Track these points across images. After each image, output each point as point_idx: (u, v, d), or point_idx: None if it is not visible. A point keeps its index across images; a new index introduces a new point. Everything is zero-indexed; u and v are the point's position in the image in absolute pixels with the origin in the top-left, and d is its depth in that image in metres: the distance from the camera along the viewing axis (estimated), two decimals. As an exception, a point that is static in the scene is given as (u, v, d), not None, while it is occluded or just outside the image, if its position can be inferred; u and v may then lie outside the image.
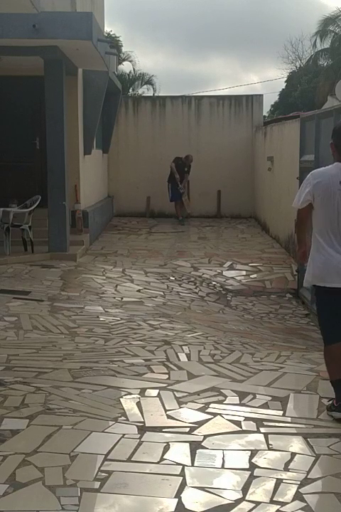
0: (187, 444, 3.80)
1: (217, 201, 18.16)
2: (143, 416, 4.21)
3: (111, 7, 56.95)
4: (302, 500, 3.21)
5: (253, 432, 4.01)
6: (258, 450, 3.75)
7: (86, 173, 13.52)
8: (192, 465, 3.56)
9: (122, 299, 8.43)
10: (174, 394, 4.61)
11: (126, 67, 31.93)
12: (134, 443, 3.79)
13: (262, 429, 4.04)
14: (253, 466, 3.55)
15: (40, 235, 10.75)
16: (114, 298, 8.44)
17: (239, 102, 18.27)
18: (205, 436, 3.91)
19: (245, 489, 3.29)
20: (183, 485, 3.32)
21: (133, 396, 4.56)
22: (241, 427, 4.07)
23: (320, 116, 8.58)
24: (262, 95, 18.78)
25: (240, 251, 12.84)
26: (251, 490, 3.29)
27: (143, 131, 18.11)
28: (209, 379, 4.98)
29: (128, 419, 4.15)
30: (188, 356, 5.64)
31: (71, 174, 11.58)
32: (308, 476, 3.45)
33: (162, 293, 9.11)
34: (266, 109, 35.14)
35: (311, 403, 4.59)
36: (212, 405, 4.41)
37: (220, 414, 4.26)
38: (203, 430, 4.01)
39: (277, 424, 4.15)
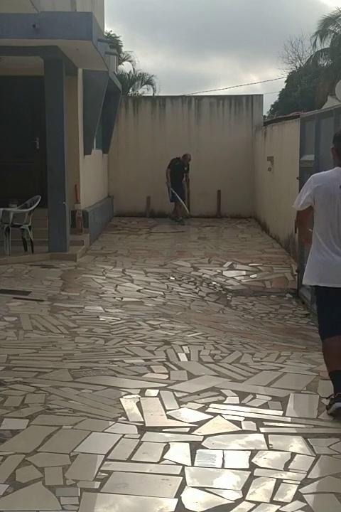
0: (187, 444, 3.80)
1: (217, 201, 18.16)
2: (143, 416, 4.21)
3: (111, 7, 57.01)
4: (302, 500, 3.21)
5: (253, 432, 4.01)
6: (258, 450, 3.75)
7: (86, 173, 13.52)
8: (192, 465, 3.56)
9: (122, 299, 8.43)
10: (174, 394, 4.61)
11: (126, 67, 31.98)
12: (134, 443, 3.79)
13: (262, 429, 4.04)
14: (253, 466, 3.55)
15: (40, 235, 10.75)
16: (114, 298, 8.44)
17: (239, 102, 18.27)
18: (205, 436, 3.91)
19: (245, 489, 3.29)
20: (183, 485, 3.32)
21: (133, 396, 4.56)
22: (241, 427, 4.07)
23: (320, 116, 8.57)
24: (262, 95, 18.78)
25: (240, 251, 12.83)
26: (251, 490, 3.29)
27: (143, 131, 18.11)
28: (209, 379, 4.98)
29: (128, 419, 4.15)
30: (188, 356, 5.64)
31: (71, 174, 11.58)
32: (308, 476, 3.45)
33: (162, 293, 9.11)
34: (266, 109, 35.18)
35: (311, 403, 4.59)
36: (212, 405, 4.41)
37: (220, 414, 4.26)
38: (203, 430, 4.01)
39: (277, 424, 4.15)
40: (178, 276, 10.34)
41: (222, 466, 3.56)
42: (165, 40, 65.65)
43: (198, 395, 4.61)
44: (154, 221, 17.06)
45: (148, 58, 58.06)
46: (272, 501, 3.19)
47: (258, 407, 4.41)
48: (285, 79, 36.68)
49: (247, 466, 3.55)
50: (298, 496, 3.24)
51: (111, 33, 31.41)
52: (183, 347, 5.90)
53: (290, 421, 4.21)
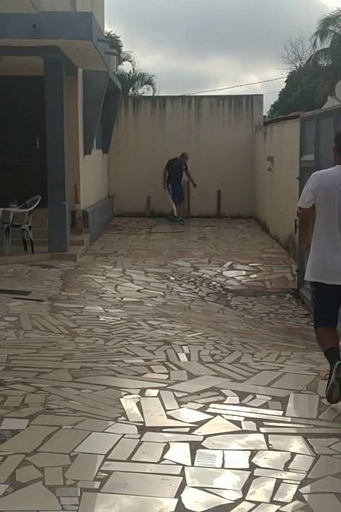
0: (187, 444, 3.80)
1: (217, 201, 18.16)
2: (143, 416, 4.21)
3: (111, 7, 57.02)
4: (302, 500, 3.21)
5: (253, 432, 4.01)
6: (258, 450, 3.75)
7: (86, 173, 13.52)
8: (192, 465, 3.56)
9: (122, 299, 8.43)
10: (174, 394, 4.61)
11: (126, 67, 31.98)
12: (134, 443, 3.79)
13: (262, 429, 4.04)
14: (253, 466, 3.55)
15: (40, 235, 10.75)
16: (114, 298, 8.44)
17: (239, 102, 18.27)
18: (205, 436, 3.91)
19: (245, 489, 3.29)
20: (183, 485, 3.32)
21: (133, 396, 4.56)
22: (241, 427, 4.07)
23: (320, 116, 8.57)
24: (262, 95, 18.78)
25: (240, 251, 12.83)
26: (251, 490, 3.29)
27: (143, 131, 18.11)
28: (209, 379, 4.98)
29: (128, 419, 4.15)
30: (188, 356, 5.64)
31: (71, 174, 11.58)
32: (308, 476, 3.45)
33: (162, 293, 9.11)
34: (266, 109, 35.17)
35: (311, 403, 4.59)
36: (212, 405, 4.41)
37: (220, 414, 4.26)
38: (203, 430, 4.01)
39: (277, 424, 4.15)
40: (178, 276, 10.34)
41: (222, 466, 3.56)
42: (165, 40, 65.70)
43: (198, 395, 4.61)
44: (154, 221, 17.06)
45: (148, 58, 58.11)
46: (272, 501, 3.19)
47: (258, 407, 4.41)
48: (285, 79, 36.71)
49: (247, 466, 3.55)
50: (298, 496, 3.24)
51: (111, 33, 31.42)
52: (183, 347, 5.90)
53: (290, 421, 4.21)
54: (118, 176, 18.03)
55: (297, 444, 3.87)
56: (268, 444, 3.83)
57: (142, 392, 4.64)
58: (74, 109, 12.46)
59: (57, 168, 10.59)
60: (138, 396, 4.55)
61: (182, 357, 5.60)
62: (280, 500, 3.20)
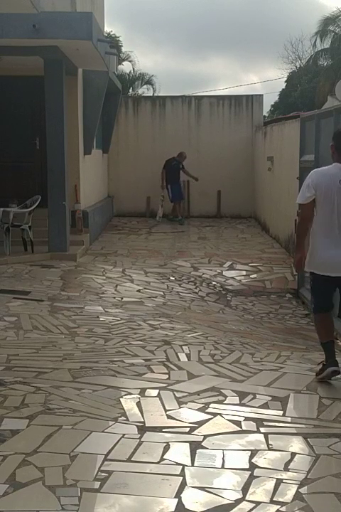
0: (187, 444, 3.80)
1: (217, 201, 18.16)
2: (143, 416, 4.21)
3: (111, 7, 57.00)
4: (302, 500, 3.21)
5: (253, 432, 4.01)
6: (258, 450, 3.75)
7: (86, 173, 13.52)
8: (192, 465, 3.56)
9: (122, 299, 8.43)
10: (174, 394, 4.61)
11: (126, 67, 31.98)
12: (134, 443, 3.79)
13: (262, 429, 4.04)
14: (253, 466, 3.55)
15: (40, 235, 10.75)
16: (114, 298, 8.44)
17: (239, 102, 18.26)
18: (205, 436, 3.91)
19: (245, 489, 3.29)
20: (183, 485, 3.32)
21: (133, 396, 4.56)
22: (241, 427, 4.07)
23: (320, 116, 8.57)
24: (262, 95, 18.77)
25: (240, 251, 12.83)
26: (251, 490, 3.29)
27: (143, 131, 18.10)
28: (209, 379, 4.99)
29: (128, 419, 4.15)
30: (188, 356, 5.64)
31: (71, 174, 11.58)
32: (308, 476, 3.45)
33: (162, 293, 9.11)
34: (266, 109, 35.18)
35: (311, 403, 4.59)
36: (212, 405, 4.41)
37: (220, 414, 4.26)
38: (203, 430, 4.01)
39: (277, 424, 4.15)
40: (178, 276, 10.34)
41: (222, 466, 3.56)
42: (165, 40, 65.72)
43: (198, 395, 4.61)
44: (154, 221, 17.06)
45: (148, 58, 58.14)
46: (272, 501, 3.19)
47: (258, 407, 4.41)
48: (285, 79, 36.72)
49: (247, 466, 3.55)
50: (298, 496, 3.24)
51: (111, 33, 31.43)
52: (183, 347, 5.90)
53: (290, 421, 4.21)
54: (118, 176, 18.02)
55: (297, 444, 3.87)
56: (268, 444, 3.83)
57: (142, 392, 4.64)
58: (74, 109, 12.46)
59: (57, 168, 10.59)
60: (138, 396, 4.55)
61: (182, 357, 5.60)
62: (280, 500, 3.20)
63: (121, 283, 9.44)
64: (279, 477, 3.43)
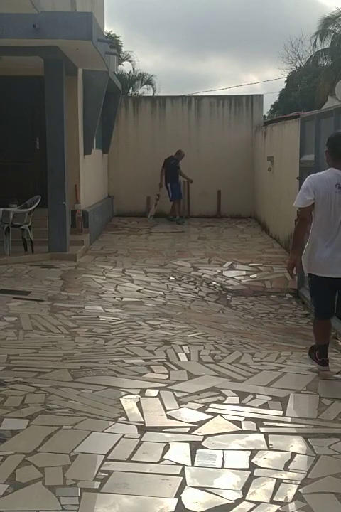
0: (187, 444, 3.80)
1: (217, 201, 18.16)
2: (143, 416, 4.21)
3: (111, 7, 56.97)
4: (302, 500, 3.21)
5: (253, 432, 4.01)
6: (258, 450, 3.75)
7: (86, 173, 13.52)
8: (192, 465, 3.56)
9: (122, 299, 8.43)
10: (174, 394, 4.61)
11: (126, 67, 31.99)
12: (134, 443, 3.79)
13: (262, 429, 4.04)
14: (253, 466, 3.55)
15: (40, 235, 10.75)
16: (114, 298, 8.44)
17: (239, 102, 18.26)
18: (205, 436, 3.91)
19: (245, 489, 3.29)
20: (183, 485, 3.32)
21: (133, 396, 4.56)
22: (241, 427, 4.07)
23: (320, 116, 8.57)
24: (262, 95, 18.78)
25: (240, 251, 12.83)
26: (251, 490, 3.29)
27: (143, 131, 18.10)
28: (209, 379, 4.99)
29: (128, 419, 4.15)
30: (188, 356, 5.64)
31: (71, 174, 11.58)
32: (308, 476, 3.45)
33: (162, 293, 9.11)
34: (266, 109, 35.19)
35: (311, 403, 4.59)
36: (212, 405, 4.41)
37: (220, 414, 4.26)
38: (203, 430, 4.01)
39: (277, 424, 4.15)
40: (178, 276, 10.34)
41: (222, 466, 3.56)
42: (165, 40, 65.73)
43: (198, 395, 4.61)
44: (154, 221, 17.06)
45: (148, 58, 58.14)
46: (272, 501, 3.19)
47: (258, 407, 4.41)
48: (285, 79, 36.74)
49: (247, 466, 3.55)
50: (298, 496, 3.24)
51: (111, 33, 31.43)
52: (183, 347, 5.90)
53: (290, 421, 4.21)
54: (118, 176, 18.02)
55: (297, 444, 3.87)
56: (268, 444, 3.83)
57: (142, 392, 4.64)
58: (74, 109, 12.46)
59: (57, 168, 10.59)
60: (138, 396, 4.55)
61: (182, 357, 5.60)
62: (280, 500, 3.20)
63: (121, 283, 9.44)
64: (279, 477, 3.43)
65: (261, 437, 3.93)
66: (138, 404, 4.41)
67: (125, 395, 4.60)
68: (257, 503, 3.16)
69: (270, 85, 66.61)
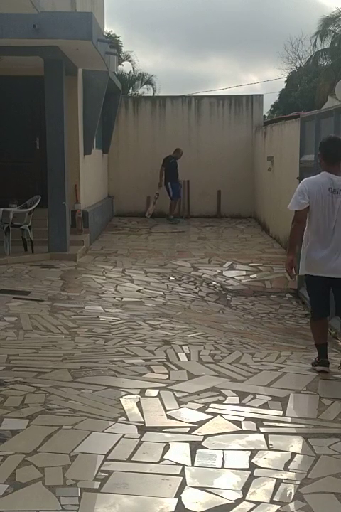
0: (187, 444, 3.80)
1: (217, 201, 18.16)
2: (143, 416, 4.21)
3: (111, 7, 56.91)
4: (302, 500, 3.21)
5: (253, 432, 4.01)
6: (258, 450, 3.75)
7: (86, 173, 13.52)
8: (192, 465, 3.56)
9: (122, 299, 8.42)
10: (174, 394, 4.61)
11: (126, 67, 31.96)
12: (134, 443, 3.79)
13: (262, 429, 4.04)
14: (253, 466, 3.55)
15: (40, 235, 10.75)
16: (114, 298, 8.44)
17: (239, 102, 18.26)
18: (205, 436, 3.91)
19: (245, 489, 3.29)
20: (183, 485, 3.32)
21: (133, 396, 4.56)
22: (241, 427, 4.08)
23: (320, 116, 8.57)
24: (262, 95, 18.77)
25: (240, 251, 12.83)
26: (251, 490, 3.29)
27: (143, 131, 18.10)
28: (209, 379, 4.99)
29: (128, 419, 4.15)
30: (188, 356, 5.64)
31: (71, 174, 11.57)
32: (308, 476, 3.45)
33: (162, 293, 9.11)
34: (266, 109, 35.15)
35: (311, 403, 4.59)
36: (212, 405, 4.41)
37: (220, 414, 4.26)
38: (203, 430, 4.01)
39: (277, 424, 4.15)
40: (178, 276, 10.33)
41: (222, 466, 3.56)
42: (165, 40, 65.68)
43: (198, 395, 4.61)
44: (154, 221, 17.06)
45: (148, 58, 58.09)
46: (272, 501, 3.19)
47: (258, 407, 4.41)
48: (285, 79, 36.72)
49: (247, 466, 3.55)
50: (298, 496, 3.24)
51: (111, 33, 31.42)
52: (183, 347, 5.90)
53: (290, 421, 4.22)
54: (118, 176, 18.02)
55: (297, 444, 3.87)
56: (268, 444, 3.83)
57: (142, 392, 4.64)
58: (74, 109, 12.45)
59: (57, 168, 10.59)
60: (138, 396, 4.55)
61: (182, 357, 5.60)
62: (280, 500, 3.20)
63: (121, 283, 9.44)
64: (279, 477, 3.43)
65: (261, 437, 3.93)
66: (138, 404, 4.41)
67: (125, 395, 4.60)
68: (257, 503, 3.16)
69: (270, 85, 66.65)
